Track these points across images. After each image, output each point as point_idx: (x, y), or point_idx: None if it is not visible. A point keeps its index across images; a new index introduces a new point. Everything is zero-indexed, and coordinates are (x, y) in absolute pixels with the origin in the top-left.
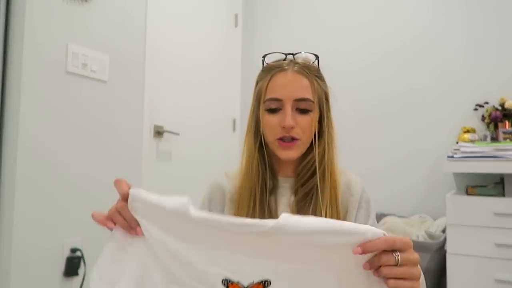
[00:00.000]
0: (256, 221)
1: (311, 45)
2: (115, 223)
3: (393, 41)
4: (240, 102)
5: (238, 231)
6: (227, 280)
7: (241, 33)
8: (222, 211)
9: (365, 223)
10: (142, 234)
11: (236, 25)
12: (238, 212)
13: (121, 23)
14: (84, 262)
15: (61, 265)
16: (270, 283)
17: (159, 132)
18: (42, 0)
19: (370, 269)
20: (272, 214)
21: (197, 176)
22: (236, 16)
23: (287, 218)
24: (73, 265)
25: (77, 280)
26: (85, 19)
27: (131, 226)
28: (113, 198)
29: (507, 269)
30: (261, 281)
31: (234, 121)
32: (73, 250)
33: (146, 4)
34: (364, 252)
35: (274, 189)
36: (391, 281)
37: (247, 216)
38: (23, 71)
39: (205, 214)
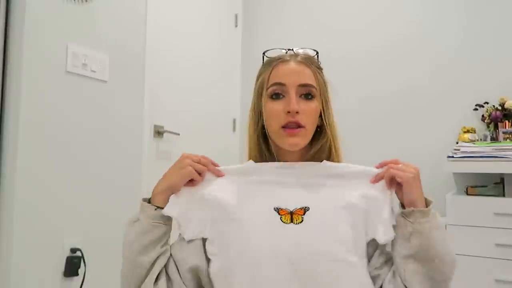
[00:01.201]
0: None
1: (311, 45)
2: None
3: (392, 40)
4: (240, 102)
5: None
6: (278, 208)
7: (241, 33)
8: None
9: None
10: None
11: (236, 25)
12: None
13: (121, 23)
14: (84, 262)
15: (61, 265)
16: (309, 209)
17: (159, 132)
18: (42, 0)
19: (377, 181)
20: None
21: None
22: (236, 16)
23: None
24: (73, 265)
25: (77, 280)
26: (85, 19)
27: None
28: (113, 198)
29: (507, 269)
30: (302, 207)
31: (234, 121)
32: (73, 250)
33: (146, 4)
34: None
35: None
36: (394, 171)
37: None
38: (23, 71)
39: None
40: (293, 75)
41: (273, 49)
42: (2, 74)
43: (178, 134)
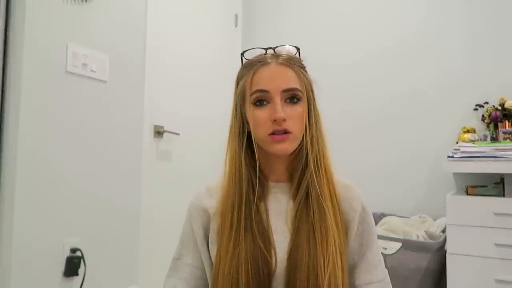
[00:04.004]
0: None
1: (311, 45)
2: None
3: (393, 41)
4: None
5: None
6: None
7: (241, 33)
8: (206, 230)
9: (364, 241)
10: None
11: (236, 25)
12: (224, 224)
13: (121, 23)
14: (84, 262)
15: (61, 265)
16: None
17: (159, 132)
18: (42, 0)
19: None
20: (263, 223)
21: (197, 176)
22: (236, 16)
23: None
24: (73, 265)
25: (77, 280)
26: (85, 19)
27: None
28: (113, 198)
29: (507, 269)
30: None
31: None
32: (73, 250)
33: (146, 4)
34: None
35: (263, 195)
36: None
37: (232, 225)
38: (23, 71)
39: None
40: (275, 79)
41: (251, 48)
42: (2, 74)
43: (178, 134)
